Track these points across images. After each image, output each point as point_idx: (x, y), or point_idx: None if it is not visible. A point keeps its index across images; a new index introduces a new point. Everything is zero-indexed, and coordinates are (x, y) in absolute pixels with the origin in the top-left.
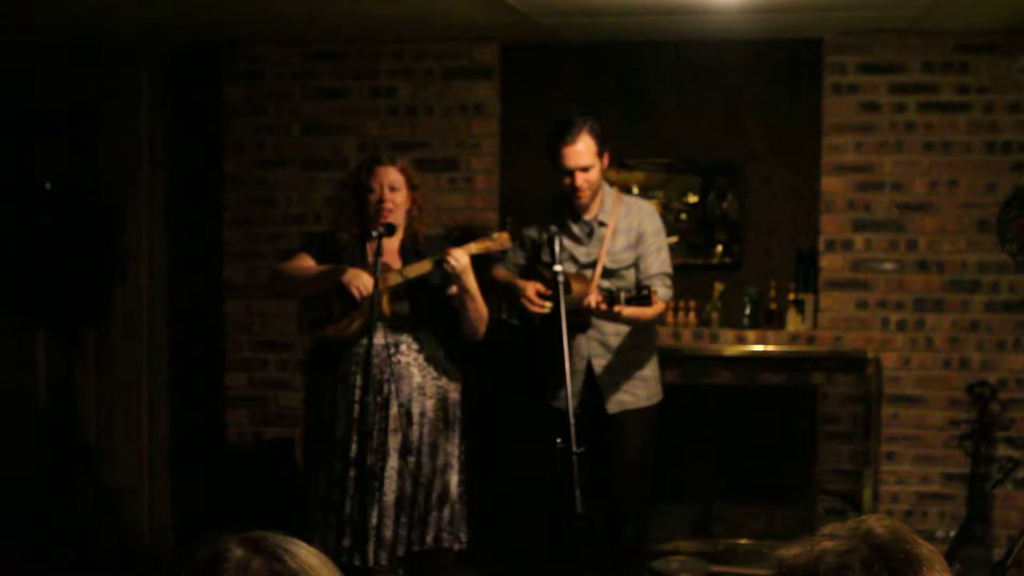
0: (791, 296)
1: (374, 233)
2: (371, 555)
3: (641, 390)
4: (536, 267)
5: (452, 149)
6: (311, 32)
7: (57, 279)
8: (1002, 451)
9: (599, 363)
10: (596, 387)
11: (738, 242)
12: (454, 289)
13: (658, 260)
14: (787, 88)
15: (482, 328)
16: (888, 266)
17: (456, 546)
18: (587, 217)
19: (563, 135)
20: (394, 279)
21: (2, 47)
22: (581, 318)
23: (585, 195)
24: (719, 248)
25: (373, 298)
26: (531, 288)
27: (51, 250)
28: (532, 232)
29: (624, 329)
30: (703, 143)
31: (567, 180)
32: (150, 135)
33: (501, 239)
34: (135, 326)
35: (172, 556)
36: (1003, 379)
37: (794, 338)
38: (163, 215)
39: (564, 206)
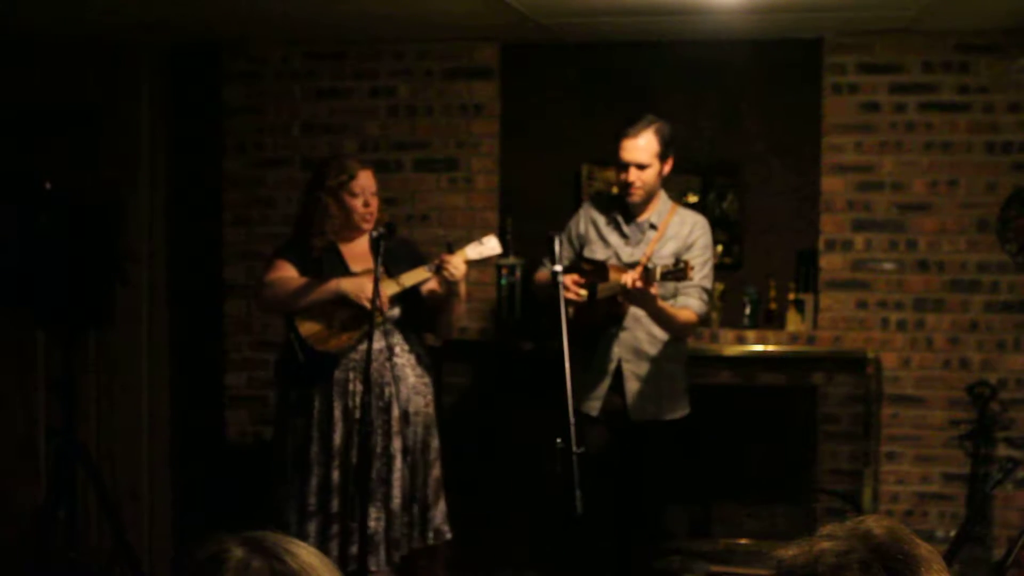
0: (791, 296)
1: (374, 234)
2: (383, 557)
3: (667, 401)
4: (577, 262)
5: (452, 149)
6: (311, 32)
7: (57, 279)
8: (1002, 451)
9: (629, 367)
10: (622, 392)
11: (738, 242)
12: (436, 287)
13: (700, 273)
14: (787, 88)
15: (457, 327)
16: (888, 266)
17: (447, 538)
18: (639, 218)
19: (627, 128)
20: (391, 288)
21: (2, 47)
22: (616, 309)
23: (637, 193)
24: (719, 248)
25: (374, 303)
26: (568, 279)
27: (51, 250)
28: (579, 226)
29: (658, 335)
30: (703, 143)
31: (622, 175)
32: (150, 135)
33: (491, 244)
34: (135, 326)
35: (172, 556)
36: (1003, 379)
37: (794, 338)
38: (163, 215)
39: (617, 202)
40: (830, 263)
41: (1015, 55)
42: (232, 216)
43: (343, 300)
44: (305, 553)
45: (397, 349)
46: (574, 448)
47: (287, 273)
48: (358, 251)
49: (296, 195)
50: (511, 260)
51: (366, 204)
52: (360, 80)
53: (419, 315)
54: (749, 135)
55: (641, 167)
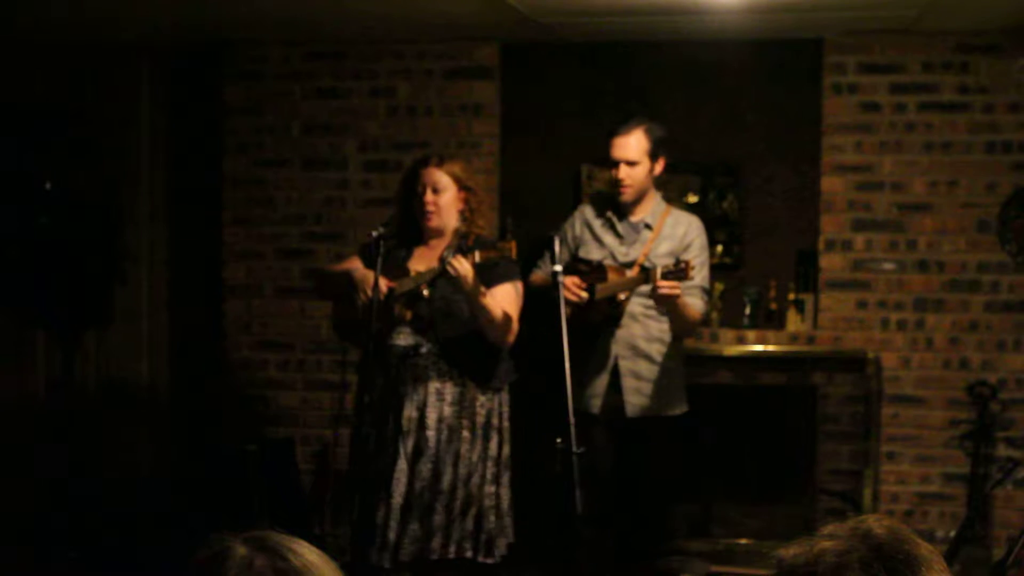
0: (791, 296)
1: (373, 233)
2: (373, 556)
3: (664, 397)
4: (574, 263)
5: (452, 149)
6: (311, 32)
7: (57, 279)
8: (1002, 451)
9: (625, 364)
10: (619, 389)
11: (738, 242)
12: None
13: (700, 273)
14: (787, 88)
15: (503, 335)
16: (888, 266)
17: (488, 559)
18: (634, 218)
19: (618, 126)
20: (407, 284)
21: (2, 47)
22: (614, 309)
23: (627, 191)
24: (719, 248)
25: (373, 301)
26: (568, 280)
27: (51, 250)
28: (575, 227)
29: (654, 332)
30: (703, 143)
31: (613, 172)
32: (150, 135)
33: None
34: (135, 326)
35: (172, 556)
36: (1003, 379)
37: (794, 338)
38: (163, 215)
39: (612, 203)
40: (830, 263)
41: (1015, 55)
42: (232, 216)
43: (353, 287)
44: (307, 551)
45: (423, 350)
46: (574, 448)
47: (349, 265)
48: (432, 252)
49: (296, 195)
50: None
51: (423, 201)
52: (360, 80)
53: (464, 320)
54: (749, 135)
55: (631, 164)
